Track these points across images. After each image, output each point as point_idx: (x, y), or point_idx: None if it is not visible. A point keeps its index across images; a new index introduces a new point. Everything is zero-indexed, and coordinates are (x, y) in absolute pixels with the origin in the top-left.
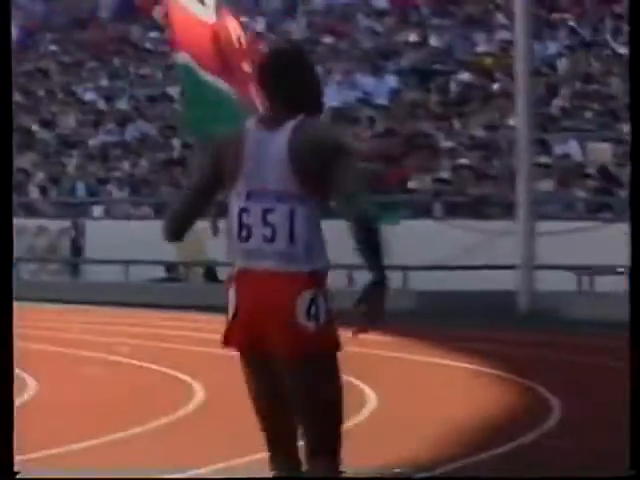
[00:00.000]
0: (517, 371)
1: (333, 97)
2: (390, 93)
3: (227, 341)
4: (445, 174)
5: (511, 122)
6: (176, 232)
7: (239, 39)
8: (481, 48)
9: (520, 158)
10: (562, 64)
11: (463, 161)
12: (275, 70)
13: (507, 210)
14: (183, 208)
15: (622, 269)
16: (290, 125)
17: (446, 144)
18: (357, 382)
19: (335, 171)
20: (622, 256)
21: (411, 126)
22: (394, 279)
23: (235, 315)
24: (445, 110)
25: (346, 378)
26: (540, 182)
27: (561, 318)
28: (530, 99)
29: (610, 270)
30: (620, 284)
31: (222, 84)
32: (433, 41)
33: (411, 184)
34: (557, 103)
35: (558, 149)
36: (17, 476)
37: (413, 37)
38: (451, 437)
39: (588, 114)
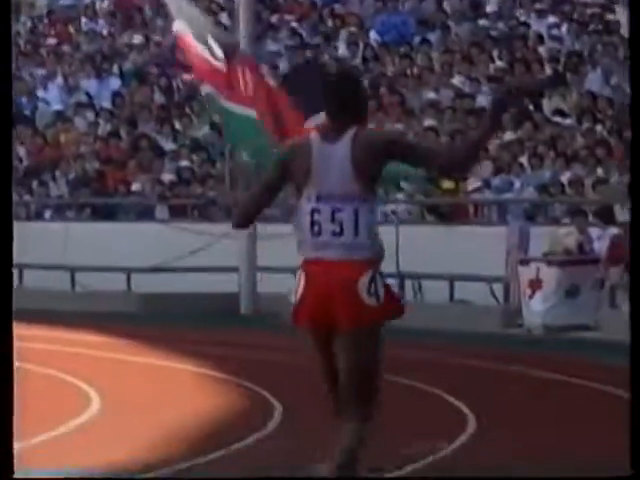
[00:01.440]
0: (240, 373)
1: (56, 100)
2: (113, 95)
3: (297, 319)
4: (168, 176)
5: None
6: (245, 222)
7: (246, 85)
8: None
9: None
10: (283, 65)
11: (185, 163)
12: (339, 93)
13: (229, 212)
14: (252, 202)
15: None
16: (348, 136)
17: (169, 146)
18: (81, 384)
19: (404, 151)
20: None
21: (134, 128)
22: (119, 281)
23: (302, 297)
24: (167, 112)
25: (70, 380)
26: None
27: (283, 320)
28: None
29: None
30: None
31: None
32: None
33: (134, 186)
34: None
35: None
36: (15, 476)
37: (137, 39)
38: (170, 439)
39: None
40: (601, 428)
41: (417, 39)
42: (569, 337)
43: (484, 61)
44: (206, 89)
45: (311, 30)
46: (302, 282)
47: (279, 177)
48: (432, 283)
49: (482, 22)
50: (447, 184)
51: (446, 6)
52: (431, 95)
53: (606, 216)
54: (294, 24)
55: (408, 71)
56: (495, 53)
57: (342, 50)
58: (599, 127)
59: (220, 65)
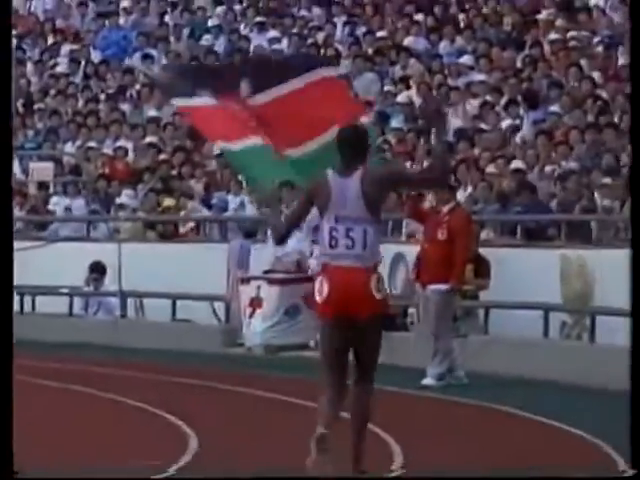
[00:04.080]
0: None
1: None
2: None
3: (322, 312)
4: None
5: None
6: (283, 240)
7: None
8: None
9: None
10: None
11: None
12: (350, 143)
13: None
14: (288, 225)
15: (64, 290)
16: (358, 175)
17: None
18: None
19: (400, 179)
20: (60, 277)
21: None
22: None
23: (328, 295)
24: None
25: None
26: None
27: None
28: None
29: (51, 290)
30: (61, 305)
31: (248, 144)
32: None
33: None
34: None
35: None
36: (16, 476)
37: None
38: None
39: (29, 133)
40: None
41: (138, 54)
42: (288, 356)
43: None
44: (218, 145)
45: (33, 45)
46: (325, 283)
47: (307, 204)
48: (154, 301)
49: (206, 37)
50: (167, 201)
51: (168, 20)
52: (152, 112)
53: None
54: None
55: (130, 88)
56: None
57: (63, 67)
58: None
59: (209, 101)
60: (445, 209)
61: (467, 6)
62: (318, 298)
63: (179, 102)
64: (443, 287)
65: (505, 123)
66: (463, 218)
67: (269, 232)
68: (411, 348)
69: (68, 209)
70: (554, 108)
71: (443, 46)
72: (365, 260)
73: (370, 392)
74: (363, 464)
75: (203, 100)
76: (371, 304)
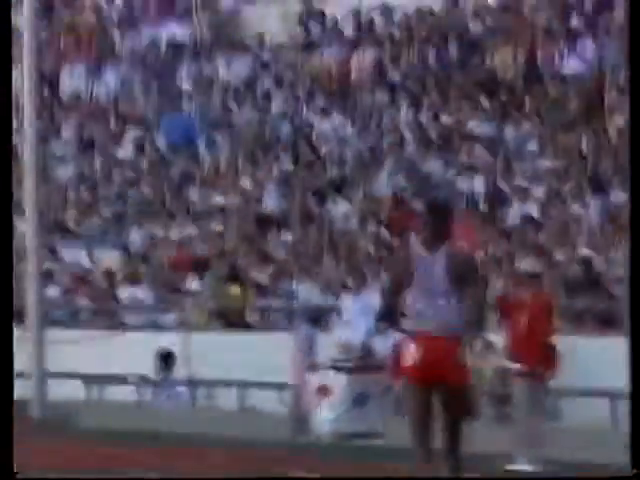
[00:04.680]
0: None
1: None
2: None
3: (408, 377)
4: None
5: (20, 227)
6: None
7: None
8: None
9: (29, 263)
10: (68, 169)
11: None
12: (439, 220)
13: (17, 317)
14: (392, 303)
15: (132, 378)
16: (443, 251)
17: None
18: None
19: (469, 281)
20: (129, 365)
21: None
22: None
23: (414, 360)
24: None
25: None
26: (47, 288)
27: (73, 427)
28: (38, 205)
29: (120, 380)
30: (130, 393)
31: None
32: None
33: None
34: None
35: (67, 254)
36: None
37: None
38: None
39: (96, 221)
40: None
41: (203, 140)
42: (357, 444)
43: (270, 162)
44: None
45: (96, 130)
46: (412, 352)
47: (399, 281)
48: (222, 390)
49: (270, 122)
50: (234, 289)
51: (231, 105)
52: (218, 199)
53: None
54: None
55: (196, 174)
56: (281, 154)
57: (127, 152)
58: (384, 230)
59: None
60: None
61: (533, 90)
62: (405, 365)
63: None
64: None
65: (571, 209)
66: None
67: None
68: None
69: (135, 297)
70: (620, 193)
71: (509, 131)
72: (451, 331)
73: (456, 462)
74: None
75: None
76: (458, 371)
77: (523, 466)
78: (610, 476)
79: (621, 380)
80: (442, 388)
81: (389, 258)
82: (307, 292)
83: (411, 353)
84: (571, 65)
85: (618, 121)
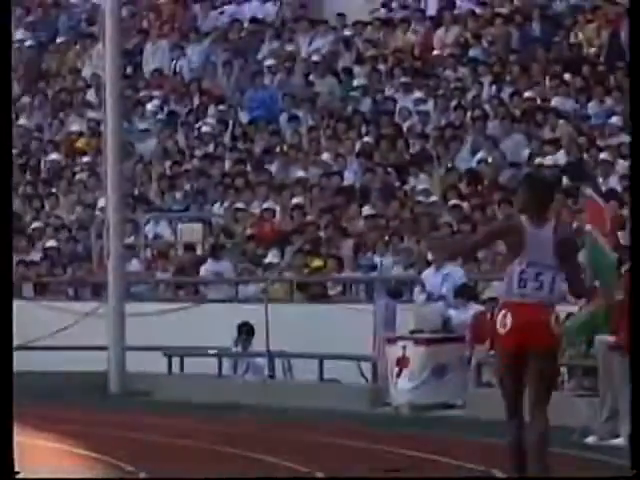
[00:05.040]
0: (108, 452)
1: None
2: None
3: (503, 345)
4: (34, 256)
5: (101, 203)
6: (454, 258)
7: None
8: (71, 127)
9: (110, 238)
10: (152, 142)
11: (51, 243)
12: (545, 195)
13: (96, 291)
14: (464, 249)
15: (212, 351)
16: (550, 225)
17: (35, 225)
18: None
19: (573, 256)
20: (209, 337)
21: None
22: None
23: (510, 327)
24: (35, 190)
25: None
26: (129, 263)
27: (153, 399)
28: (119, 179)
29: (200, 351)
30: (210, 366)
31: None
32: (22, 121)
33: None
34: (152, 184)
35: (148, 229)
36: (17, 476)
37: None
38: None
39: (178, 194)
40: None
41: (285, 115)
42: (435, 415)
43: (352, 137)
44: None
45: (179, 106)
46: (509, 318)
47: (492, 240)
48: (302, 362)
49: (352, 94)
50: (316, 262)
51: (313, 80)
52: (299, 173)
53: (468, 293)
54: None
55: (277, 148)
56: (363, 129)
57: (210, 127)
58: (465, 204)
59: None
60: None
61: (616, 65)
62: (501, 330)
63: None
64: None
65: None
66: None
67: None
68: None
69: (216, 271)
70: None
71: (592, 106)
72: (549, 300)
73: (544, 422)
74: None
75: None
76: (551, 338)
77: (604, 440)
78: (610, 476)
79: None
80: (535, 356)
81: (503, 229)
82: (388, 265)
83: (506, 321)
84: None
85: None
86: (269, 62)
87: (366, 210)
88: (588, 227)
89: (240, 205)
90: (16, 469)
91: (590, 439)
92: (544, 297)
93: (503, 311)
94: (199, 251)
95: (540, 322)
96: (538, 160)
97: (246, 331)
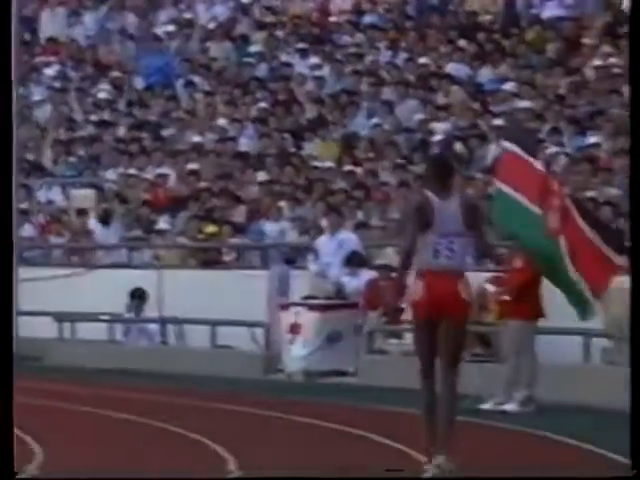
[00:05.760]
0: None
1: None
2: None
3: (417, 311)
4: None
5: None
6: (409, 265)
7: (555, 190)
8: None
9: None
10: (47, 109)
11: None
12: (447, 170)
13: None
14: (410, 248)
15: (105, 316)
16: (455, 198)
17: None
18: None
19: (479, 221)
20: (101, 303)
21: None
22: None
23: (425, 296)
24: None
25: None
26: (22, 228)
27: (43, 364)
28: (14, 145)
29: (91, 317)
30: (102, 332)
31: (533, 207)
32: None
33: None
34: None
35: (41, 195)
36: (17, 476)
37: None
38: None
39: (71, 160)
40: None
41: (181, 81)
42: (328, 382)
43: (247, 103)
44: (499, 185)
45: (74, 72)
46: (424, 287)
47: (418, 225)
48: (194, 328)
49: (249, 60)
50: (210, 228)
51: (209, 46)
52: (195, 138)
53: (358, 260)
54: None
55: (173, 114)
56: (259, 95)
57: (105, 94)
58: (359, 169)
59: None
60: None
61: (511, 32)
62: (416, 298)
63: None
64: None
65: (548, 150)
66: None
67: (310, 258)
68: None
69: (109, 236)
70: (597, 135)
71: (486, 73)
72: (461, 268)
73: (455, 382)
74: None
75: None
76: (462, 306)
77: (501, 406)
78: (610, 476)
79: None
80: (447, 322)
81: (407, 204)
82: (282, 231)
83: (420, 289)
84: (549, 9)
85: (595, 62)
86: (166, 29)
87: (261, 176)
88: (498, 184)
89: (134, 171)
90: None
91: (484, 405)
92: (456, 266)
93: (419, 280)
94: (92, 217)
95: (452, 290)
96: (431, 125)
97: (139, 297)
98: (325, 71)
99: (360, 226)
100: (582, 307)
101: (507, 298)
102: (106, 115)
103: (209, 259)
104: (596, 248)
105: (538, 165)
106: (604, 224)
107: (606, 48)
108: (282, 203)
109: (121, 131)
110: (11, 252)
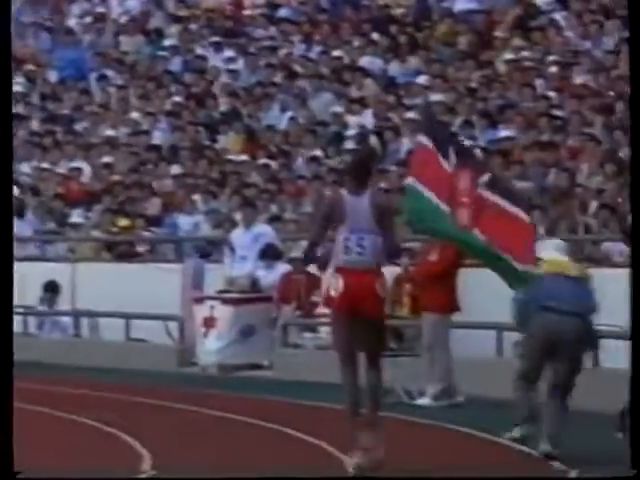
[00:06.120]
0: None
1: None
2: None
3: (334, 307)
4: None
5: None
6: (313, 259)
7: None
8: None
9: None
10: None
11: None
12: (363, 165)
13: None
14: (319, 239)
15: (18, 309)
16: (367, 194)
17: None
18: None
19: (388, 220)
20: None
21: None
22: None
23: (340, 292)
24: None
25: None
26: None
27: None
28: None
29: None
30: (15, 324)
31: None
32: None
33: None
34: None
35: None
36: (18, 476)
37: None
38: None
39: None
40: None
41: (94, 75)
42: (242, 376)
43: (161, 96)
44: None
45: None
46: (339, 283)
47: (327, 221)
48: (108, 321)
49: (162, 53)
50: (123, 222)
51: (122, 39)
52: (109, 132)
53: (273, 253)
54: None
55: (86, 108)
56: (173, 88)
57: (20, 87)
58: (273, 163)
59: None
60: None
61: (423, 25)
62: (333, 293)
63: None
64: None
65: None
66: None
67: (227, 251)
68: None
69: (22, 229)
70: (509, 128)
71: (398, 66)
72: (373, 264)
73: (380, 371)
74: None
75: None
76: (378, 302)
77: (424, 401)
78: (610, 476)
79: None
80: (364, 317)
81: (320, 200)
82: (196, 225)
83: (338, 285)
84: (461, 2)
85: (507, 55)
86: (79, 22)
87: (174, 169)
88: (409, 179)
89: (47, 165)
90: None
91: (398, 399)
92: (368, 262)
93: (335, 276)
94: None
95: (367, 287)
96: (345, 119)
97: (52, 289)
98: (239, 64)
99: (274, 219)
100: (511, 276)
101: (418, 291)
102: (20, 108)
103: (123, 252)
104: (517, 220)
105: (445, 164)
106: (513, 191)
107: (517, 41)
108: (196, 196)
109: (34, 124)
110: None
